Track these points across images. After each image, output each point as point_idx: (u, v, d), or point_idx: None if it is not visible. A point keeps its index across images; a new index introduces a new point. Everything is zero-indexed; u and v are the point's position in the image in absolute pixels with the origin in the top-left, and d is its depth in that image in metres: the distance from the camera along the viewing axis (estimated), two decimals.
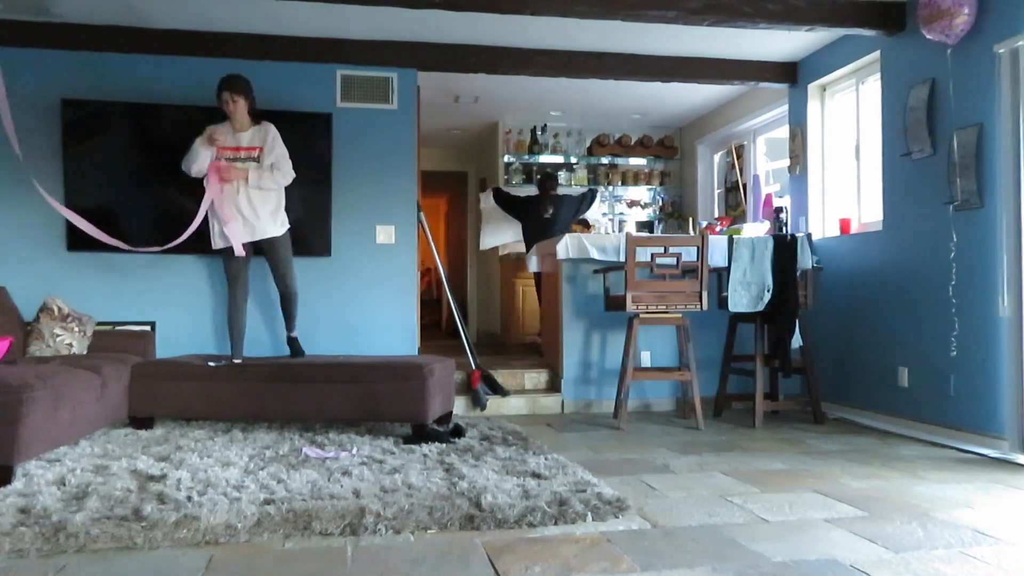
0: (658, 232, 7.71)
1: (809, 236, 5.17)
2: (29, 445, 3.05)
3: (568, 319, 5.19)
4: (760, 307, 4.64)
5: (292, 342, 4.67)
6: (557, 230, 5.96)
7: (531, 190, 6.87)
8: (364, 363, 4.15)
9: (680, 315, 4.62)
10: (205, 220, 4.43)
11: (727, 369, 4.97)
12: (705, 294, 4.56)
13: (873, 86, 4.96)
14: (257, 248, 4.54)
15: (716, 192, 7.51)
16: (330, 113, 5.11)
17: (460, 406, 4.89)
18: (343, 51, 5.10)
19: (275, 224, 4.48)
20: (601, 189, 7.60)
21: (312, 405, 4.06)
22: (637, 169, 7.95)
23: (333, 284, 5.19)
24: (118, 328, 4.79)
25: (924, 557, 2.26)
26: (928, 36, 4.10)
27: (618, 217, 7.88)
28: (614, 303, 4.72)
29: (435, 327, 10.39)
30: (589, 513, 2.59)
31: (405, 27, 4.90)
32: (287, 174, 4.47)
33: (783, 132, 5.95)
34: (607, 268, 4.91)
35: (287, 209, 4.59)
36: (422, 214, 5.42)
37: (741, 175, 6.80)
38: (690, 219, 6.92)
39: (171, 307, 4.99)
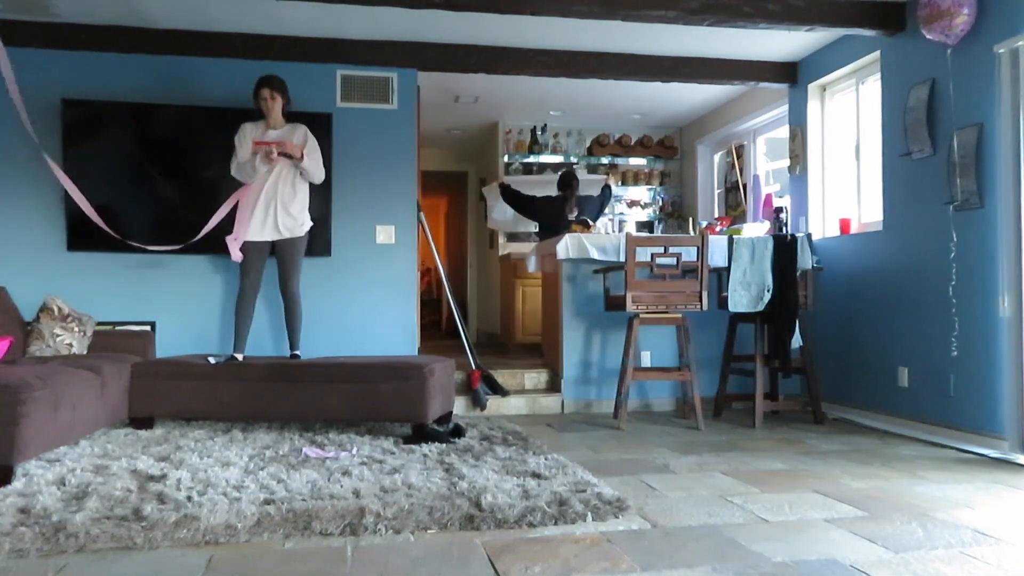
0: (658, 232, 7.72)
1: (809, 236, 5.17)
2: (29, 445, 3.05)
3: (568, 319, 5.19)
4: (760, 307, 4.64)
5: (294, 360, 4.63)
6: None
7: (540, 185, 6.70)
8: (364, 363, 4.15)
9: (680, 315, 4.62)
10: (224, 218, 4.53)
11: (727, 369, 4.98)
12: (705, 294, 4.56)
13: (873, 86, 4.96)
14: (272, 248, 4.58)
15: (716, 192, 7.51)
16: (330, 113, 5.11)
17: (460, 406, 4.89)
18: (343, 51, 5.10)
19: (299, 224, 4.56)
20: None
21: (312, 405, 4.06)
22: (637, 169, 7.95)
23: (333, 284, 5.19)
24: (118, 328, 4.79)
25: (924, 557, 2.26)
26: (928, 36, 4.10)
27: (618, 217, 7.88)
28: (614, 303, 4.72)
29: (435, 327, 10.40)
30: (589, 513, 2.59)
31: (405, 27, 4.90)
32: (320, 170, 4.58)
33: (783, 132, 5.95)
34: (607, 268, 4.91)
35: None
36: (422, 214, 5.43)
37: (741, 175, 6.81)
38: (690, 219, 6.92)
39: (171, 307, 4.99)
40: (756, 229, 5.35)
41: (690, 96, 6.67)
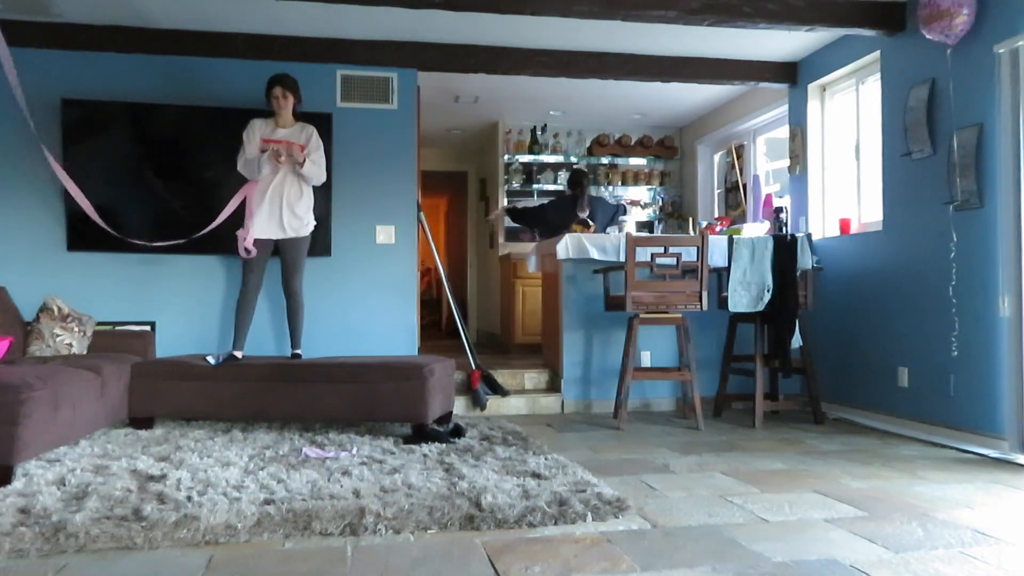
0: (658, 232, 7.71)
1: (809, 236, 5.17)
2: (29, 445, 3.05)
3: (568, 319, 5.19)
4: (760, 307, 4.63)
5: (295, 359, 4.64)
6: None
7: (533, 195, 6.65)
8: (364, 363, 4.15)
9: (680, 315, 4.62)
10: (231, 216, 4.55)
11: (727, 369, 4.97)
12: (705, 294, 4.56)
13: (873, 86, 4.96)
14: (275, 247, 4.59)
15: (716, 192, 7.51)
16: (330, 113, 5.11)
17: (460, 406, 4.89)
18: (343, 51, 5.10)
19: (303, 224, 4.58)
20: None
21: (312, 405, 4.06)
22: (637, 169, 7.95)
23: (333, 284, 5.19)
24: (118, 328, 4.79)
25: (924, 557, 2.26)
26: (928, 36, 4.10)
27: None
28: (614, 303, 4.72)
29: (435, 327, 10.40)
30: (589, 513, 2.59)
31: (405, 27, 4.90)
32: (321, 173, 4.60)
33: (783, 132, 5.95)
34: (607, 268, 4.90)
35: None
36: (422, 214, 5.42)
37: (741, 175, 6.81)
38: (690, 219, 6.92)
39: (171, 307, 4.99)
40: (756, 229, 5.35)
41: (690, 96, 6.66)
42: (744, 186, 6.71)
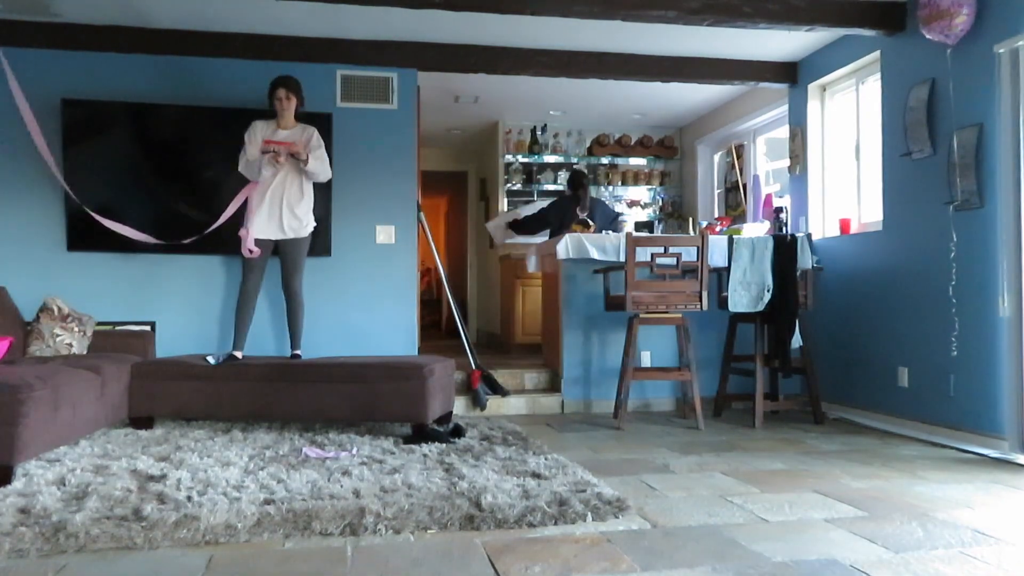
0: (658, 232, 7.71)
1: (809, 236, 5.17)
2: (29, 445, 3.05)
3: (568, 319, 5.19)
4: (760, 307, 4.63)
5: (295, 359, 4.64)
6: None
7: (534, 195, 6.60)
8: (364, 363, 4.15)
9: (680, 315, 4.62)
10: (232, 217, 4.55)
11: (727, 369, 4.97)
12: (705, 294, 4.56)
13: (873, 86, 4.96)
14: (275, 247, 4.59)
15: (716, 192, 7.51)
16: (330, 113, 5.11)
17: (460, 406, 4.89)
18: (343, 51, 5.10)
19: (303, 225, 4.58)
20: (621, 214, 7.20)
21: (312, 405, 4.06)
22: (637, 169, 7.95)
23: (333, 284, 5.19)
24: (118, 328, 4.79)
25: (924, 557, 2.26)
26: (928, 36, 4.10)
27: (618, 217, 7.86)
28: (614, 303, 4.72)
29: (435, 327, 10.40)
30: (589, 513, 2.59)
31: (405, 27, 4.90)
32: (326, 168, 4.60)
33: (783, 132, 5.95)
34: (607, 268, 4.91)
35: None
36: (422, 214, 5.42)
37: (741, 175, 6.81)
38: (690, 219, 6.92)
39: (171, 307, 4.99)
40: (756, 229, 5.35)
41: (690, 96, 6.66)
42: (744, 186, 6.71)
